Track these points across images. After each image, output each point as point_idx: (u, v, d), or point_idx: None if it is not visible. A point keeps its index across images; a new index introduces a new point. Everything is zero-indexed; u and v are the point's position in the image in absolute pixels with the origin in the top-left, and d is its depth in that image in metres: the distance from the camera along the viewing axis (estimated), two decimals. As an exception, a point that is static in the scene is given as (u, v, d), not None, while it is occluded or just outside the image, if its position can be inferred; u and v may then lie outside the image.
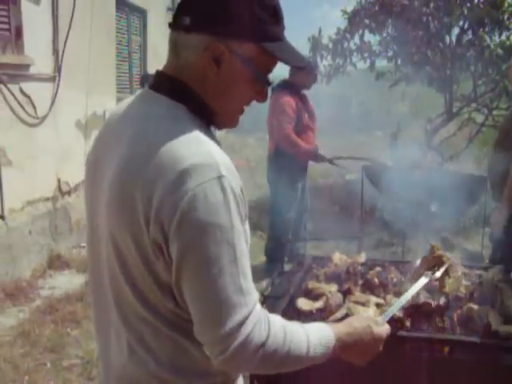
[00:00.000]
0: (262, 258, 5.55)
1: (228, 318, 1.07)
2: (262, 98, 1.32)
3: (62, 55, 5.70)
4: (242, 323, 1.08)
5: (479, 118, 7.90)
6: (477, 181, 4.58)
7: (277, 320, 1.18)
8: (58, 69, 5.68)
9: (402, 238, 5.19)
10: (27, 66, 5.21)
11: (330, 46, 7.87)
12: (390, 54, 7.76)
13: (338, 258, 2.38)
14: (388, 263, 2.34)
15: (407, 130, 8.85)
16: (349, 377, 1.72)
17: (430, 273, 1.76)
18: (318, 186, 8.31)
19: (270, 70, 1.30)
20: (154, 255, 1.12)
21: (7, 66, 4.90)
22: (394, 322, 1.80)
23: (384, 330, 1.41)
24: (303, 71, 5.01)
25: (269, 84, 1.31)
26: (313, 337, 1.22)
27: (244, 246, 1.12)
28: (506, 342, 1.75)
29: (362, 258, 2.40)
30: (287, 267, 2.90)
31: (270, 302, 2.07)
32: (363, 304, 1.88)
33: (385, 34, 7.69)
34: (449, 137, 7.97)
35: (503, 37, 7.11)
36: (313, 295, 2.02)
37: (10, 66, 4.95)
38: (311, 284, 2.09)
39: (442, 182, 4.72)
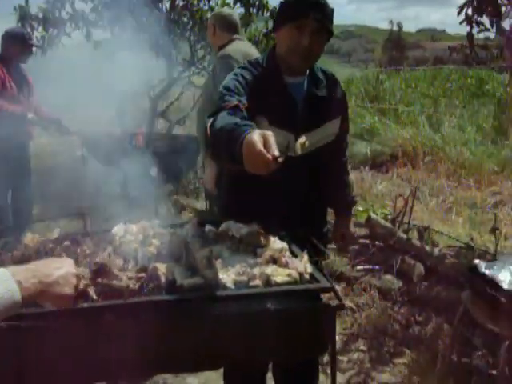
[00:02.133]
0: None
1: None
2: None
3: None
4: None
5: (199, 81, 8.15)
6: (191, 142, 4.69)
7: None
8: None
9: (129, 207, 5.13)
10: None
11: (40, 15, 7.41)
12: (105, 22, 7.55)
13: (29, 239, 2.21)
14: (82, 235, 2.24)
15: (134, 98, 8.80)
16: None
17: None
18: (47, 166, 7.90)
19: None
20: None
21: None
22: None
23: None
24: (15, 43, 4.66)
25: None
26: None
27: None
28: (190, 294, 1.77)
29: (55, 234, 2.26)
30: None
31: None
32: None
33: (97, 2, 7.44)
34: (173, 102, 8.11)
35: (212, 3, 7.41)
36: (-8, 282, 1.83)
37: None
38: (-9, 271, 1.90)
39: (161, 147, 4.78)
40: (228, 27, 4.03)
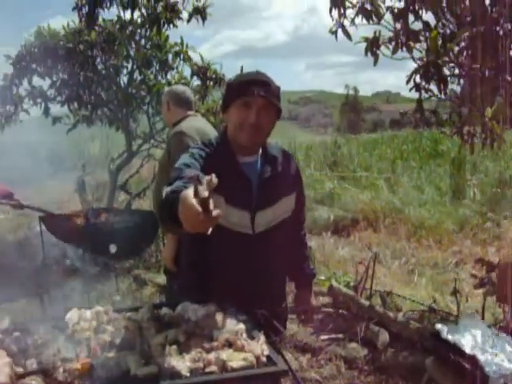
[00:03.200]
0: None
1: None
2: None
3: None
4: None
5: (159, 154, 8.21)
6: (150, 217, 4.66)
7: None
8: None
9: (89, 284, 5.04)
10: None
11: (-3, 92, 7.43)
12: (64, 97, 7.60)
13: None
14: (33, 323, 2.16)
15: (95, 172, 8.81)
16: None
17: None
18: (8, 242, 7.79)
19: None
20: None
21: None
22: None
23: None
24: None
25: None
26: None
27: None
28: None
29: (5, 324, 2.18)
30: None
31: None
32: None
33: (55, 78, 7.51)
34: (133, 174, 8.12)
35: (169, 76, 7.53)
36: None
37: None
38: None
39: (120, 222, 4.74)
40: (182, 104, 4.09)
